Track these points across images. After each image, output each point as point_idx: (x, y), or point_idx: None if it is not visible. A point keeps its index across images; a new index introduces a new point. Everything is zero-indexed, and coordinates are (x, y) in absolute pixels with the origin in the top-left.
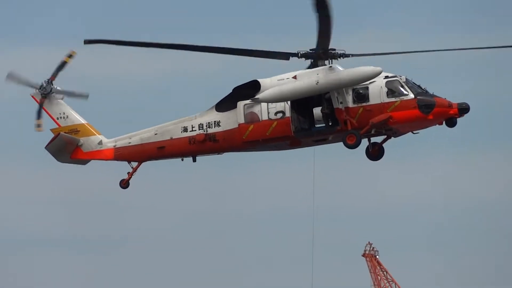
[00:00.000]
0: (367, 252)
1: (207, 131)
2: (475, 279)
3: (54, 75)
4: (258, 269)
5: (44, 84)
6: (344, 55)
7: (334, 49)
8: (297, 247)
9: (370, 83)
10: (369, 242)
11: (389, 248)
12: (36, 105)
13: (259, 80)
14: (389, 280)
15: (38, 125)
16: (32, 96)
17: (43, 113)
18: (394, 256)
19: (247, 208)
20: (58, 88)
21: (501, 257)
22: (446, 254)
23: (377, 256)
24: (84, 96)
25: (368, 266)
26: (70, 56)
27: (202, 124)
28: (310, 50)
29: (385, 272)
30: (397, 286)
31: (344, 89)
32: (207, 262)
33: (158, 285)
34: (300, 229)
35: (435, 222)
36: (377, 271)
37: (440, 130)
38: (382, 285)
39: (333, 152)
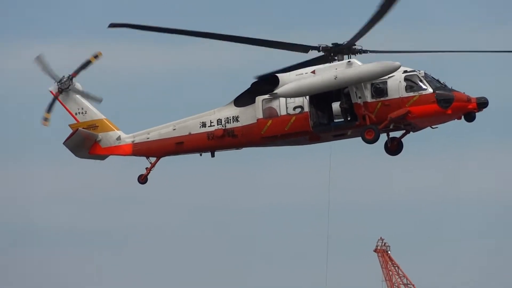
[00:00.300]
0: (378, 247)
1: (225, 126)
2: (485, 275)
3: (77, 72)
4: (271, 263)
5: (65, 79)
6: (362, 51)
7: (354, 45)
8: (311, 241)
9: (389, 77)
10: (381, 238)
11: (401, 244)
12: (51, 98)
13: (277, 75)
14: (401, 275)
15: (46, 119)
16: (50, 91)
17: (55, 108)
18: (406, 251)
19: (263, 202)
20: (76, 85)
21: None
22: (457, 250)
23: (389, 252)
24: (98, 100)
25: (380, 262)
26: (96, 56)
27: (221, 119)
28: (333, 44)
29: (396, 268)
30: (408, 281)
31: (362, 84)
32: (222, 256)
33: (173, 279)
34: (315, 223)
35: (448, 218)
36: (388, 266)
37: (459, 124)
38: (393, 280)
39: (352, 147)
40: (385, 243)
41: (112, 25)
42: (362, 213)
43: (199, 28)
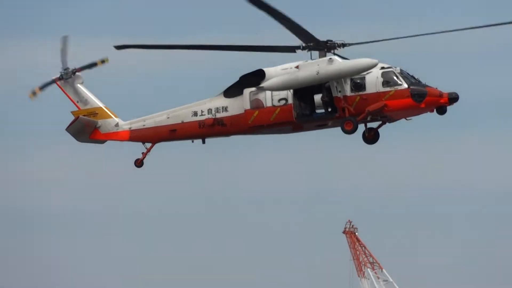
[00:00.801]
0: (347, 229)
1: (215, 115)
2: (445, 253)
3: (81, 69)
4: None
5: (69, 70)
6: (343, 45)
7: (332, 40)
8: (289, 223)
9: (367, 73)
10: (349, 220)
11: (368, 226)
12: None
13: (264, 69)
14: (367, 254)
15: (34, 93)
16: (57, 84)
17: (47, 89)
18: (372, 233)
19: (244, 189)
20: (78, 79)
21: (470, 230)
22: (419, 231)
23: (356, 233)
24: (106, 61)
25: (348, 242)
26: (103, 61)
27: (211, 109)
28: (306, 44)
29: (363, 248)
30: (374, 260)
31: (342, 79)
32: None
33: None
34: (293, 208)
35: (413, 202)
36: (356, 246)
37: (431, 117)
38: (360, 259)
39: (332, 136)
40: (352, 225)
41: (118, 47)
42: (334, 197)
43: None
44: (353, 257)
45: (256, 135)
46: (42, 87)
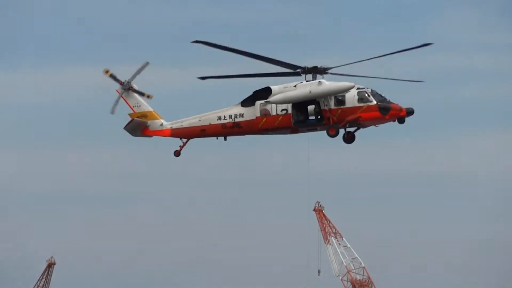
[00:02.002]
0: (316, 207)
1: (234, 120)
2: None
3: (135, 91)
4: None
5: (126, 82)
6: (329, 70)
7: (321, 67)
8: (274, 205)
9: (347, 92)
10: (317, 201)
11: (335, 205)
12: (117, 96)
13: (271, 87)
14: (331, 227)
15: (113, 111)
16: (117, 90)
17: (121, 102)
18: (338, 210)
19: (248, 176)
20: (134, 86)
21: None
22: (372, 208)
23: (323, 211)
24: (150, 96)
25: (317, 218)
26: (148, 96)
27: (231, 115)
28: (312, 67)
29: (328, 221)
30: (336, 231)
31: (328, 96)
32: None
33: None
34: (278, 190)
35: (371, 188)
36: (323, 220)
37: (393, 125)
38: (326, 230)
39: (318, 138)
40: (320, 205)
41: (195, 41)
42: (317, 182)
43: None
44: (320, 229)
45: (264, 135)
46: (116, 104)
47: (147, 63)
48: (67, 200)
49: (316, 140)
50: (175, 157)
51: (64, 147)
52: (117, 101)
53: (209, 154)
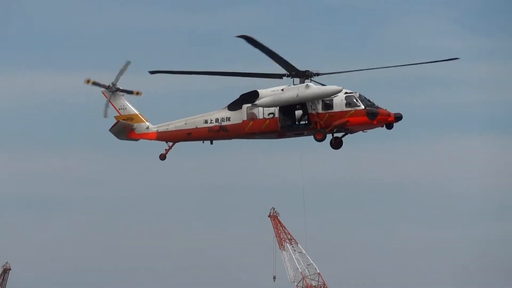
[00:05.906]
0: (271, 213)
1: (221, 123)
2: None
3: (122, 90)
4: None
5: (111, 85)
6: (318, 74)
7: (309, 70)
8: (234, 208)
9: (334, 97)
10: (273, 207)
11: (290, 211)
12: (105, 99)
13: (258, 90)
14: (286, 233)
15: (105, 114)
16: (103, 93)
17: (110, 105)
18: (292, 217)
19: (231, 179)
20: (120, 87)
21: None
22: (329, 216)
23: (278, 217)
24: (139, 93)
25: (272, 224)
26: (137, 93)
27: (218, 118)
28: (290, 73)
29: (283, 228)
30: (291, 236)
31: (316, 100)
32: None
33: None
34: (240, 196)
35: (330, 194)
36: (278, 227)
37: (381, 131)
38: (281, 237)
39: (305, 143)
40: (275, 211)
41: (152, 72)
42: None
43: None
44: (276, 235)
45: (250, 139)
46: (95, 83)
47: (129, 62)
48: (23, 204)
49: (282, 146)
50: (160, 160)
51: (32, 151)
52: (107, 104)
53: (183, 159)
